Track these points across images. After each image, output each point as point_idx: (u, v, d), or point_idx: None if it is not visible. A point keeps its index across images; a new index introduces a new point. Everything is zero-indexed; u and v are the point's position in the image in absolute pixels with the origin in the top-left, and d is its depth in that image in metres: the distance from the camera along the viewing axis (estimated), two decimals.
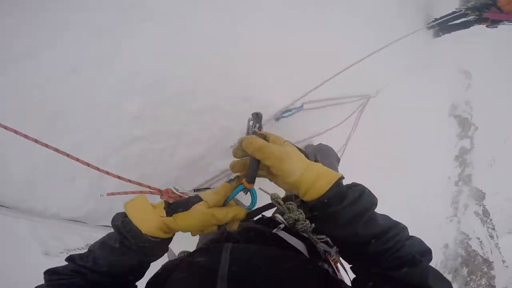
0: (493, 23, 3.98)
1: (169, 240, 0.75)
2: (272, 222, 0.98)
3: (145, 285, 0.69)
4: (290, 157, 0.65)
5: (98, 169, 1.33)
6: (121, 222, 0.68)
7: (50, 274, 0.68)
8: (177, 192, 1.21)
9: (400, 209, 4.27)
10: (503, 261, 9.68)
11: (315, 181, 0.64)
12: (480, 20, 4.06)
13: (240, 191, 0.71)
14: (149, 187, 1.33)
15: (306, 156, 0.70)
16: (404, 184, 4.49)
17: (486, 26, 4.10)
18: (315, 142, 2.82)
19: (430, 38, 4.79)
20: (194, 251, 0.85)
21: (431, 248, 0.66)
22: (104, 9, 1.84)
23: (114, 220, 0.70)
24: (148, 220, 0.67)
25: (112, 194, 1.45)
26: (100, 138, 1.51)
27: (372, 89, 3.37)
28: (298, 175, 0.64)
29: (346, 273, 0.90)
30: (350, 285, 0.69)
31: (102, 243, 0.71)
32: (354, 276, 0.72)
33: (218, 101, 2.12)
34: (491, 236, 10.59)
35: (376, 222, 0.64)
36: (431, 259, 0.65)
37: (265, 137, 0.69)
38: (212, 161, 2.16)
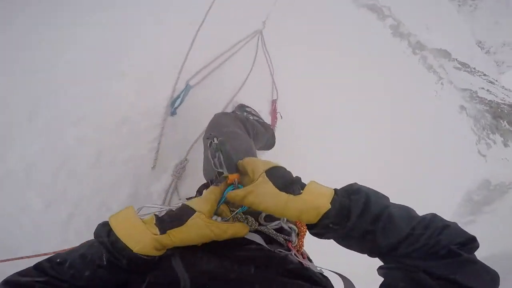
0: None
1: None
2: None
3: None
4: (265, 199, 0.65)
5: None
6: (108, 239, 0.61)
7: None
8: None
9: None
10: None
11: (300, 214, 0.63)
12: None
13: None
14: None
15: (288, 182, 0.68)
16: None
17: None
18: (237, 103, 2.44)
19: None
20: None
21: None
22: None
23: (98, 235, 0.64)
24: (140, 238, 0.61)
25: None
26: None
27: (256, 23, 3.05)
28: (280, 211, 0.64)
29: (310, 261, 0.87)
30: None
31: (83, 256, 0.63)
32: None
33: (101, 137, 1.78)
34: (491, 82, 10.59)
35: (396, 226, 0.60)
36: (477, 247, 0.58)
37: (245, 169, 0.73)
38: (148, 189, 1.91)
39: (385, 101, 4.62)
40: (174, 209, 0.69)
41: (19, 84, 1.69)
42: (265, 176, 0.67)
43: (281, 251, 0.74)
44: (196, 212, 0.65)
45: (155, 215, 0.67)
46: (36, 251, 1.18)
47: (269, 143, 2.23)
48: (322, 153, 3.02)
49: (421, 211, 0.66)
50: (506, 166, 7.92)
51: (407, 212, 0.64)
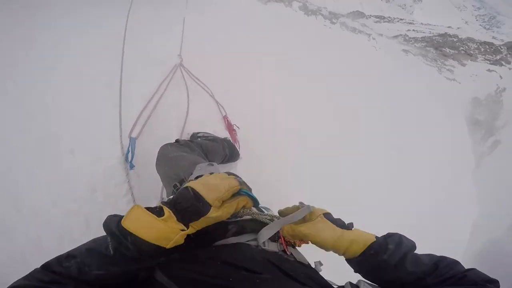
0: None
1: None
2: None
3: None
4: (321, 232, 0.80)
5: None
6: (131, 242, 0.60)
7: None
8: None
9: None
10: None
11: (350, 244, 0.78)
12: None
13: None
14: None
15: (341, 224, 0.83)
16: None
17: None
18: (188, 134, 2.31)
19: None
20: None
21: None
22: None
23: (110, 232, 0.63)
24: (167, 237, 0.64)
25: None
26: None
27: (171, 59, 3.03)
28: (334, 242, 0.79)
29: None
30: None
31: (89, 249, 0.64)
32: None
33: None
34: (411, 23, 11.37)
35: (422, 259, 0.75)
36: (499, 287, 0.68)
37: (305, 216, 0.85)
38: None
39: (335, 76, 4.66)
40: (182, 195, 0.71)
41: None
42: (323, 216, 0.83)
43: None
44: (212, 207, 0.70)
45: (170, 210, 0.67)
46: None
47: (231, 154, 2.22)
48: (290, 148, 2.98)
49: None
50: (479, 79, 8.25)
51: (429, 254, 0.79)
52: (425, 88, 6.05)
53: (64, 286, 0.59)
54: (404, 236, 0.80)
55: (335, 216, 0.88)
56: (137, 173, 2.03)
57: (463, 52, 10.81)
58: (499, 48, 11.26)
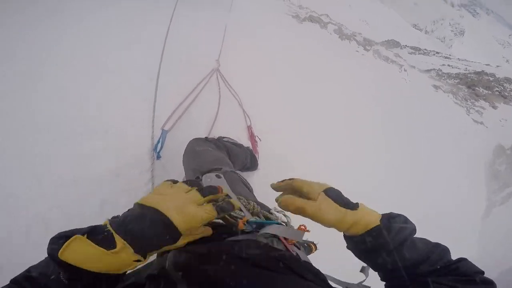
0: None
1: None
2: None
3: None
4: (324, 213, 0.74)
5: None
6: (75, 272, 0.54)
7: None
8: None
9: None
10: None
11: (352, 224, 0.74)
12: None
13: None
14: None
15: (344, 203, 0.77)
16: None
17: None
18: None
19: None
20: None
21: None
22: None
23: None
24: (119, 268, 0.57)
25: None
26: None
27: (210, 64, 3.22)
28: (337, 222, 0.74)
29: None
30: None
31: (44, 274, 0.56)
32: None
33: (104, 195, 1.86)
34: (447, 57, 11.19)
35: (418, 245, 0.73)
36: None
37: (299, 188, 0.78)
38: None
39: (363, 104, 4.74)
40: (147, 220, 0.61)
41: None
42: (324, 194, 0.76)
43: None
44: (182, 236, 0.64)
45: (124, 240, 0.57)
46: None
47: (251, 164, 2.33)
48: (308, 164, 3.07)
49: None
50: (508, 125, 7.82)
51: (424, 238, 0.78)
52: (449, 128, 6.01)
53: None
54: (408, 219, 0.77)
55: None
56: (162, 164, 2.16)
57: (497, 93, 10.41)
58: None
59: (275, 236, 0.85)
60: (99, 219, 0.63)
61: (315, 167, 3.12)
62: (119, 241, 0.56)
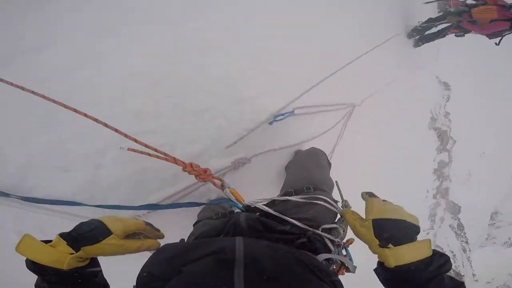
0: (462, 31, 4.03)
1: (92, 259, 0.80)
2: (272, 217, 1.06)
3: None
4: (361, 237, 0.83)
5: (116, 130, 1.35)
6: (34, 267, 0.70)
7: None
8: (197, 169, 1.26)
9: None
10: (473, 275, 9.93)
11: (400, 257, 0.72)
12: (456, 28, 4.05)
13: None
14: (174, 158, 1.30)
15: (382, 238, 0.76)
16: (384, 196, 4.61)
17: (455, 35, 4.17)
18: (304, 147, 2.92)
19: (411, 48, 4.94)
20: (199, 241, 0.84)
21: None
22: (108, 9, 1.95)
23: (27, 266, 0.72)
24: (59, 260, 0.70)
25: (134, 150, 1.42)
26: (100, 131, 1.55)
27: (357, 97, 3.55)
28: (379, 251, 0.76)
29: None
30: None
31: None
32: None
33: (213, 102, 2.20)
34: (464, 250, 10.90)
35: (445, 283, 0.71)
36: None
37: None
38: (209, 160, 2.23)
39: None
40: (87, 223, 0.78)
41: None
42: (371, 224, 0.79)
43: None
44: (112, 234, 0.76)
45: (63, 235, 0.74)
46: None
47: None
48: None
49: None
50: None
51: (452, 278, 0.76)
52: None
53: None
54: (450, 259, 0.74)
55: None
56: (266, 129, 2.47)
57: None
58: None
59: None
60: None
61: None
62: (56, 237, 0.73)
